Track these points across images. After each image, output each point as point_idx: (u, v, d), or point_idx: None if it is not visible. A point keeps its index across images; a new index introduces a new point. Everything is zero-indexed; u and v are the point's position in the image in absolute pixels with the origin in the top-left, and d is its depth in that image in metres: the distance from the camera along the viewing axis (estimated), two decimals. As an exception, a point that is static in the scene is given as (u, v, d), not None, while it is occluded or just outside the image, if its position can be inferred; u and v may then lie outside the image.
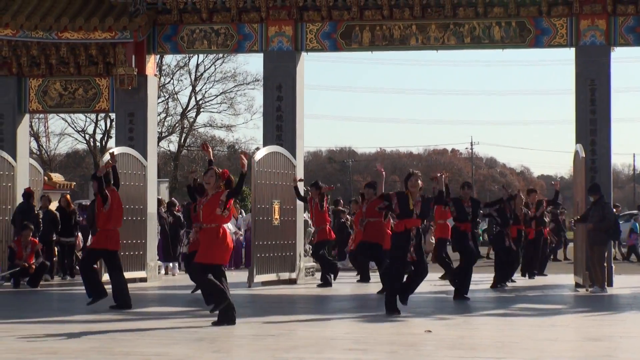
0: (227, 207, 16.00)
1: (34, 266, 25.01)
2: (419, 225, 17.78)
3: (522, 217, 26.66)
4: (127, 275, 25.61)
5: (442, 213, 25.25)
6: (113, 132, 36.84)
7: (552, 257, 35.33)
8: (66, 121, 63.59)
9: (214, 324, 15.60)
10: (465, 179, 72.76)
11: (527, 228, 27.07)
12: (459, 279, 21.26)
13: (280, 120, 28.95)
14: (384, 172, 19.49)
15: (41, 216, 27.37)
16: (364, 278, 26.70)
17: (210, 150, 17.78)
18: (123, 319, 16.23)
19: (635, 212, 46.61)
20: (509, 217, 25.19)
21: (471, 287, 21.42)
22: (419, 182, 17.70)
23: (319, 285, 25.09)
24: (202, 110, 66.61)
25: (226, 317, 15.76)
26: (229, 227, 33.34)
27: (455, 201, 22.40)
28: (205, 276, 15.65)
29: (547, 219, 30.43)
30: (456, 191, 25.72)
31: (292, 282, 25.27)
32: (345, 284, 26.36)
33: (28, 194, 26.90)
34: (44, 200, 27.26)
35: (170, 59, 60.23)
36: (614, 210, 28.33)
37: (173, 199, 36.35)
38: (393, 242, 18.02)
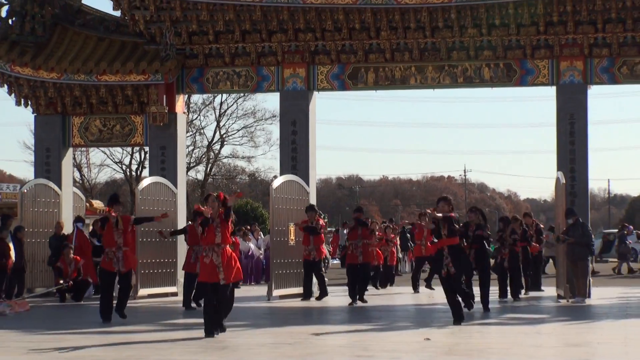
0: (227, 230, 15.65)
1: (71, 282, 24.99)
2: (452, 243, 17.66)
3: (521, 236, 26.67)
4: (160, 290, 25.71)
5: (420, 234, 24.82)
6: (147, 163, 36.89)
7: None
8: (105, 154, 63.74)
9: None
10: (459, 203, 72.68)
11: (528, 246, 27.01)
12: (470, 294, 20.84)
13: (294, 152, 28.98)
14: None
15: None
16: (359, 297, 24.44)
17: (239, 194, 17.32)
18: (156, 329, 16.24)
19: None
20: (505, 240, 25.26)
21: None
22: (447, 207, 17.69)
23: (317, 299, 24.91)
24: (225, 143, 66.64)
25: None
26: (251, 247, 33.47)
27: (464, 225, 22.27)
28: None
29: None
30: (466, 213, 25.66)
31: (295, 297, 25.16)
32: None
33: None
34: (57, 226, 26.77)
35: (197, 98, 60.31)
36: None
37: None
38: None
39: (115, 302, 18.52)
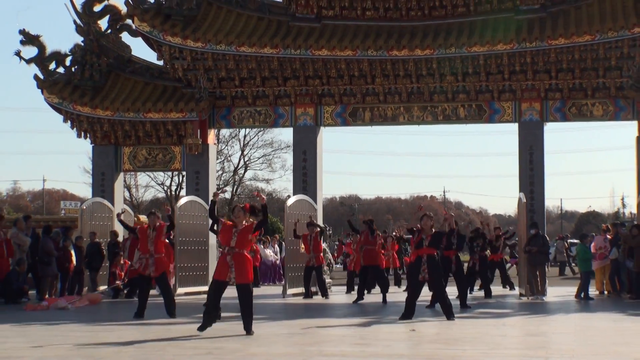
0: (254, 235, 14.82)
1: (119, 282, 24.92)
2: (431, 253, 17.05)
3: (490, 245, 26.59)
4: (195, 289, 25.63)
5: (367, 241, 23.84)
6: (184, 185, 36.91)
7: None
8: (150, 177, 63.58)
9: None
10: (440, 218, 72.34)
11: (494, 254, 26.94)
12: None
13: (305, 176, 29.00)
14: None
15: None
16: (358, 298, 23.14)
17: (263, 196, 16.35)
18: (190, 322, 16.14)
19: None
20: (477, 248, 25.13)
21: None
22: (430, 222, 17.38)
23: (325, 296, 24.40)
24: (248, 168, 66.54)
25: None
26: (269, 253, 33.39)
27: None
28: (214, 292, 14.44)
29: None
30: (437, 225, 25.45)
31: (315, 294, 25.07)
32: (353, 295, 26.06)
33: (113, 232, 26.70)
34: (91, 235, 26.40)
35: (225, 132, 60.17)
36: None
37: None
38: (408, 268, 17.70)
39: (147, 301, 17.94)
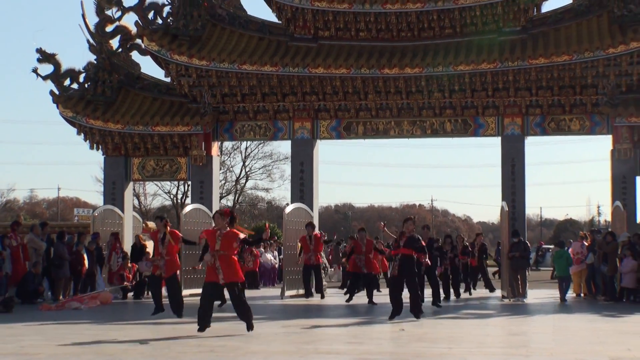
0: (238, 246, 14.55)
1: (127, 283, 24.87)
2: (405, 253, 16.96)
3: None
4: (199, 291, 25.42)
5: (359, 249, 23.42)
6: (189, 193, 36.89)
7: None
8: (157, 186, 63.60)
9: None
10: (426, 223, 72.43)
11: (471, 259, 26.94)
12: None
13: (302, 186, 28.99)
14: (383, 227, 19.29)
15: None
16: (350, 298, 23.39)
17: (268, 232, 15.92)
18: (194, 321, 16.10)
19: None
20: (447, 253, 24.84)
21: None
22: (412, 226, 17.37)
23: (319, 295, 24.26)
24: (249, 178, 66.59)
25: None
26: (269, 257, 33.30)
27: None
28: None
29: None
30: (417, 230, 25.26)
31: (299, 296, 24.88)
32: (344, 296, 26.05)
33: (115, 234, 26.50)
34: (136, 239, 26.45)
35: (228, 144, 60.14)
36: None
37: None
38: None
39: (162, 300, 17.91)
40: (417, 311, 16.97)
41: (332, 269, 36.36)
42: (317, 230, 25.71)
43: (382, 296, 23.85)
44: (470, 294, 26.45)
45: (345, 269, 29.35)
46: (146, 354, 11.53)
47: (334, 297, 25.32)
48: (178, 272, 18.56)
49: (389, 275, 23.53)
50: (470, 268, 27.23)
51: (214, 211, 27.43)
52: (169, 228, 17.86)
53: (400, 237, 17.26)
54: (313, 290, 24.70)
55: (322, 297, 24.15)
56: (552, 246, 48.90)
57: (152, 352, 11.83)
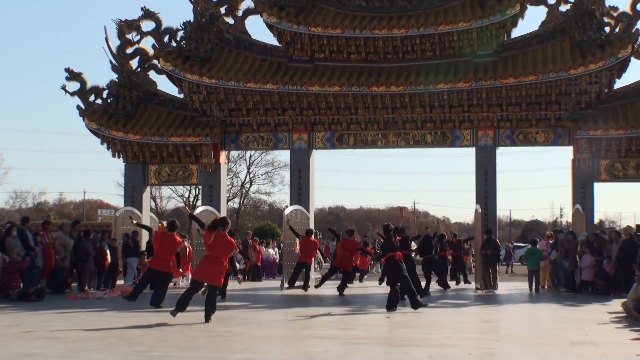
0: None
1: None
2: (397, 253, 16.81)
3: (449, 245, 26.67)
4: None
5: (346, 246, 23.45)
6: (200, 196, 36.87)
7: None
8: (171, 189, 63.46)
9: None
10: (411, 224, 72.36)
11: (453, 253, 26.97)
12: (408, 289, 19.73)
13: (300, 190, 29.02)
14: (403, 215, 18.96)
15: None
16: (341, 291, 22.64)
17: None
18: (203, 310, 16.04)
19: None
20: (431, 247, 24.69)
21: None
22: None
23: (303, 288, 23.64)
24: (253, 183, 66.57)
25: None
26: (270, 252, 33.25)
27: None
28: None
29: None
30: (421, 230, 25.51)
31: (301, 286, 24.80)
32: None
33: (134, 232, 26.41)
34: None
35: (234, 153, 60.13)
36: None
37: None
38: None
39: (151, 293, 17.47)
40: (391, 304, 16.53)
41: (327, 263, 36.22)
42: (313, 237, 25.38)
43: (356, 289, 23.85)
44: (457, 284, 26.49)
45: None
46: (161, 339, 11.54)
47: (327, 288, 25.32)
48: (173, 274, 18.16)
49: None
50: (454, 262, 27.21)
51: (221, 212, 27.68)
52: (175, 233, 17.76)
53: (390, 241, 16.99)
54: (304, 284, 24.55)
55: (305, 290, 23.42)
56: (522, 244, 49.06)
57: (167, 336, 11.84)
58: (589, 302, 19.44)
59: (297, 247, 25.18)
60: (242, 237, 30.55)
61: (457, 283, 26.84)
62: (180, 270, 24.53)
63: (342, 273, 23.25)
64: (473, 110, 28.04)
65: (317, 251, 25.71)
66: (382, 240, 17.59)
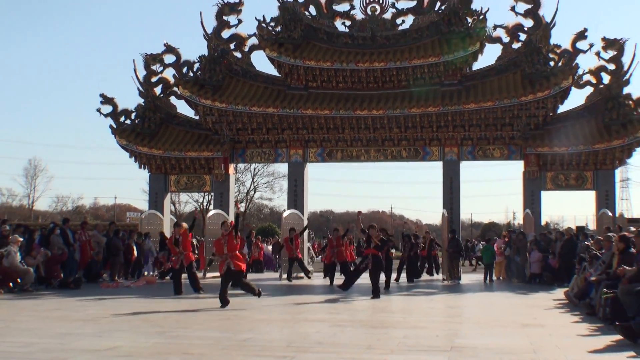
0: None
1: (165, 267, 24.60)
2: (376, 252, 16.81)
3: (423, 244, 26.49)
4: (218, 274, 25.19)
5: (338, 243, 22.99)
6: (212, 202, 36.87)
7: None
8: (188, 196, 63.48)
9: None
10: (388, 226, 72.34)
11: (422, 251, 26.84)
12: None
13: (296, 196, 29.00)
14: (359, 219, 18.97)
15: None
16: (331, 283, 22.35)
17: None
18: (215, 297, 15.98)
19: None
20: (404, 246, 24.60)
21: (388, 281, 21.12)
22: (376, 231, 17.17)
23: (307, 277, 23.80)
24: (256, 190, 66.64)
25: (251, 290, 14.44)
26: (271, 249, 33.11)
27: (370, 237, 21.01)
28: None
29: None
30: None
31: (301, 278, 24.81)
32: (325, 278, 25.84)
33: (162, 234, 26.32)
34: (161, 235, 26.05)
35: (241, 165, 60.15)
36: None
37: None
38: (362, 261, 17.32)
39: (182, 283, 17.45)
40: (375, 294, 16.54)
41: (318, 258, 36.18)
42: (297, 233, 24.78)
43: (341, 280, 23.53)
44: (431, 275, 26.33)
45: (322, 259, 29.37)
46: (180, 321, 11.51)
47: (319, 279, 25.26)
48: (194, 261, 18.21)
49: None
50: (423, 258, 27.18)
51: (230, 215, 27.65)
52: (182, 231, 17.71)
53: (369, 239, 16.96)
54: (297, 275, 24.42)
55: (289, 280, 22.90)
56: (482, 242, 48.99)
57: (184, 319, 11.81)
58: (537, 291, 19.46)
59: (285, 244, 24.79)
60: (247, 233, 30.32)
61: (431, 275, 26.72)
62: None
63: (340, 266, 22.99)
64: (441, 130, 28.11)
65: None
66: (364, 238, 17.50)
